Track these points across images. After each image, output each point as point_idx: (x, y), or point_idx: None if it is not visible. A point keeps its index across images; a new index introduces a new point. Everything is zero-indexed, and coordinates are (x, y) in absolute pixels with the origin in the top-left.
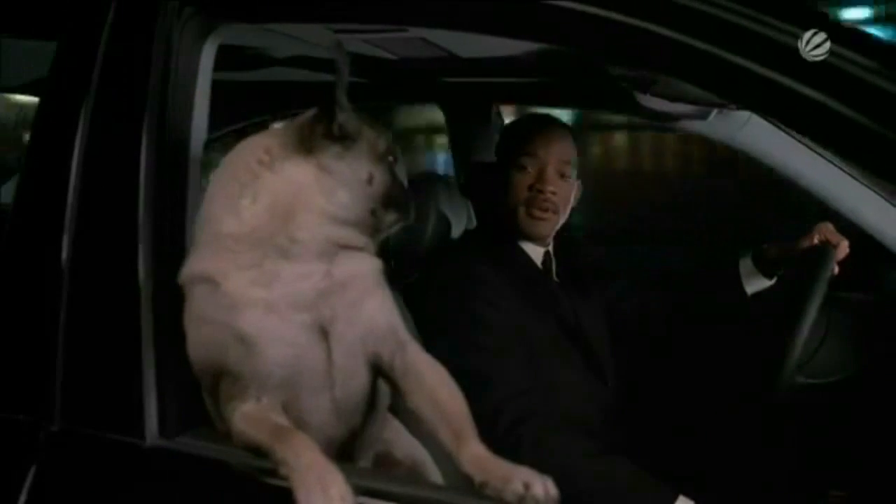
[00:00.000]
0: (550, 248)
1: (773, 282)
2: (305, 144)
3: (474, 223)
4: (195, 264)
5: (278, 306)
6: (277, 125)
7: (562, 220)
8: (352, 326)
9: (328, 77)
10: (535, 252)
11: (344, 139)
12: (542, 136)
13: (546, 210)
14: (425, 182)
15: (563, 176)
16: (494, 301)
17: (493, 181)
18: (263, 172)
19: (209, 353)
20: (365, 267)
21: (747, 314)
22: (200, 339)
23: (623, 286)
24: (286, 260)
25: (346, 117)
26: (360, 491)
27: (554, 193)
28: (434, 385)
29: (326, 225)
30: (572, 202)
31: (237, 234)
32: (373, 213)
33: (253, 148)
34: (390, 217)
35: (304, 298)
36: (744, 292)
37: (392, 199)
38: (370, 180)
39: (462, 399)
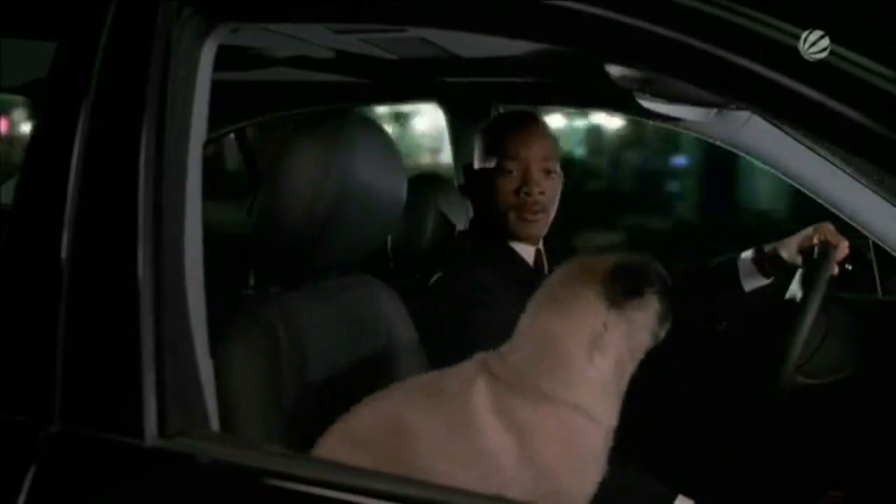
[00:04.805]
0: (541, 245)
1: (770, 280)
2: None
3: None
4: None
5: None
6: None
7: (551, 216)
8: None
9: (328, 77)
10: (527, 251)
11: None
12: (521, 136)
13: (536, 213)
14: (425, 182)
15: (548, 173)
16: (491, 303)
17: (480, 185)
18: None
19: None
20: None
21: (744, 311)
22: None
23: None
24: None
25: None
26: (360, 491)
27: (542, 194)
28: None
29: None
30: (558, 196)
31: None
32: None
33: None
34: None
35: None
36: (741, 289)
37: None
38: None
39: None
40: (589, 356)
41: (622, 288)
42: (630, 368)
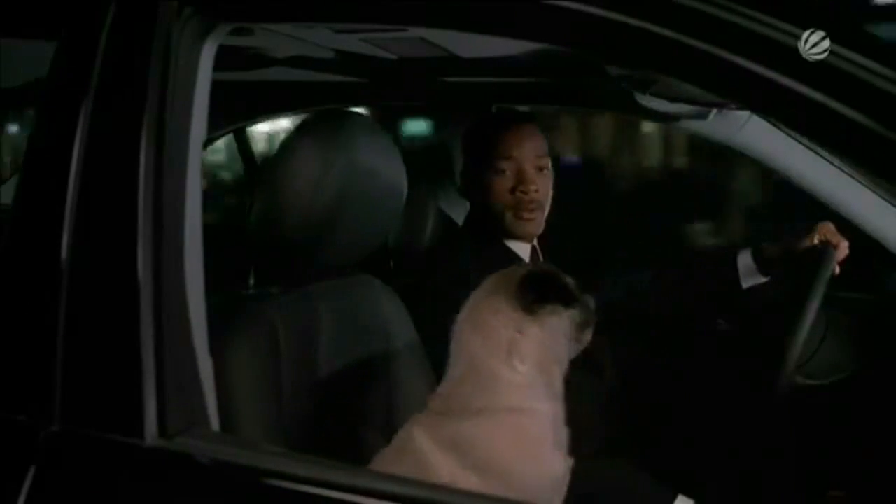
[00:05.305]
0: (535, 242)
1: (768, 279)
2: None
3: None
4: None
5: None
6: None
7: (546, 213)
8: None
9: (328, 77)
10: (523, 249)
11: None
12: (513, 135)
13: (532, 210)
14: (425, 182)
15: (541, 170)
16: None
17: (474, 185)
18: None
19: None
20: None
21: (744, 311)
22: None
23: (616, 273)
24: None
25: None
26: (360, 491)
27: (537, 191)
28: None
29: None
30: (551, 193)
31: None
32: None
33: None
34: None
35: None
36: (739, 284)
37: None
38: None
39: None
40: (510, 364)
41: (533, 296)
42: (558, 371)
